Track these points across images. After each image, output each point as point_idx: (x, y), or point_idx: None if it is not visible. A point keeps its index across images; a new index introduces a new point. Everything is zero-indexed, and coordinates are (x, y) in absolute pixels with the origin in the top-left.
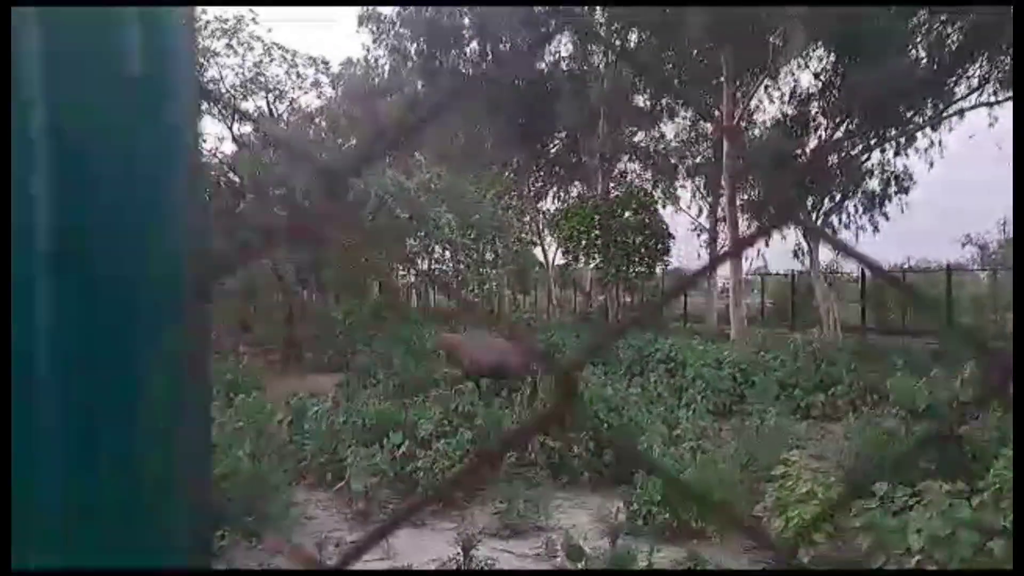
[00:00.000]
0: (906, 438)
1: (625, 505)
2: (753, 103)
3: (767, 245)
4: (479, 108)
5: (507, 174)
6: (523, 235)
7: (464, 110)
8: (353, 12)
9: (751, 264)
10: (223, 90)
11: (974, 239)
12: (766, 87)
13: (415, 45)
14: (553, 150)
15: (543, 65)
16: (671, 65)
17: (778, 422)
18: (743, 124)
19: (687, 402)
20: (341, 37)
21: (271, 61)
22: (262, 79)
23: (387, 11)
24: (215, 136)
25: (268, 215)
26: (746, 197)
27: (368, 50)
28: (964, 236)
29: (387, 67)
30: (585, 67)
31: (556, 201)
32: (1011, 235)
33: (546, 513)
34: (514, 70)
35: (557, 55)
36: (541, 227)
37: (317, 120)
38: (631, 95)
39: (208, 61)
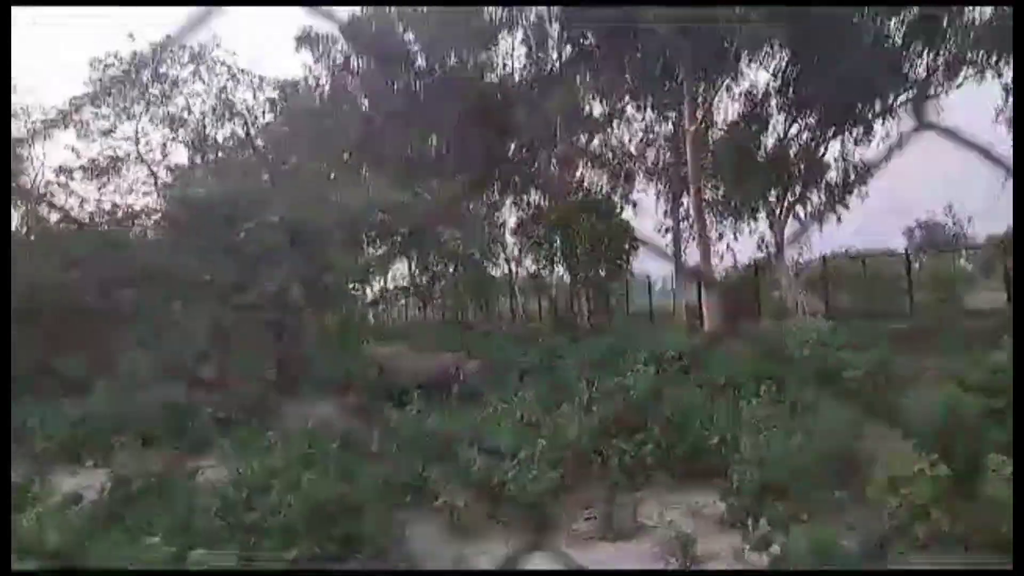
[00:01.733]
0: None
1: (722, 498)
2: (714, 103)
3: (736, 239)
4: (431, 121)
5: (464, 186)
6: (485, 246)
7: (416, 123)
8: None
9: (722, 259)
10: (193, 118)
11: (921, 224)
12: (727, 87)
13: (359, 61)
14: (509, 160)
15: (494, 76)
16: (628, 69)
17: (822, 407)
18: (704, 124)
19: (731, 394)
20: (273, 59)
21: (237, 86)
22: (231, 105)
23: (325, 30)
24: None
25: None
26: (709, 196)
27: (309, 69)
28: (915, 222)
29: (327, 86)
30: (537, 75)
31: (515, 210)
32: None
33: (640, 512)
34: (463, 82)
35: (508, 65)
36: (500, 236)
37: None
38: (586, 102)
39: (174, 89)
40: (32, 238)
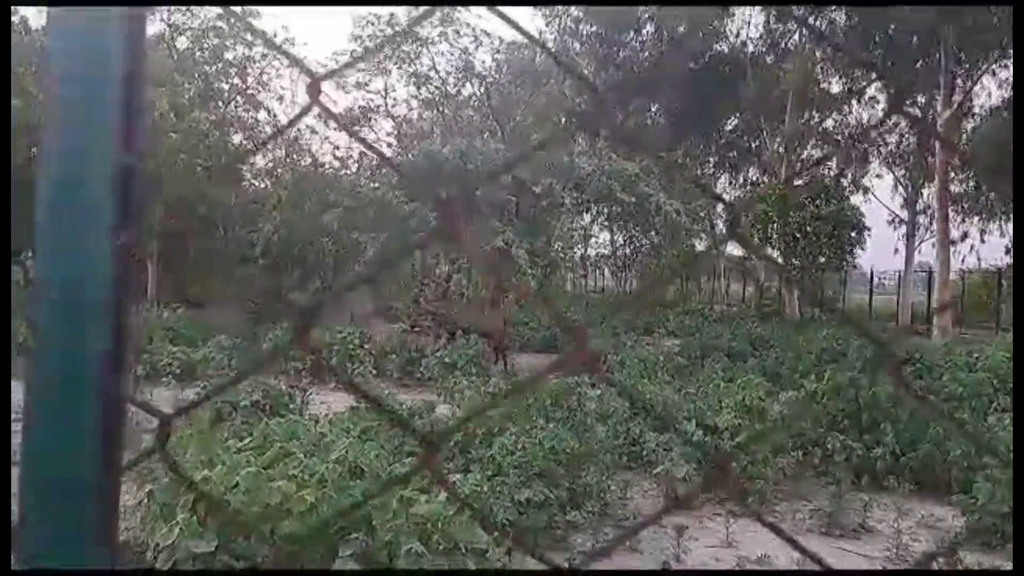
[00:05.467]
0: None
1: (963, 513)
2: (974, 88)
3: (983, 240)
4: (652, 90)
5: (679, 159)
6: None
7: (638, 91)
8: None
9: (962, 259)
10: (439, 76)
11: None
12: (992, 71)
13: (589, 27)
14: (729, 134)
15: (724, 46)
16: (876, 45)
17: None
18: (961, 110)
19: (973, 407)
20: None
21: (478, 48)
22: (472, 66)
23: None
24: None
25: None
26: (957, 189)
27: (540, 33)
28: None
29: (553, 49)
30: (772, 47)
31: (729, 187)
32: None
33: (868, 514)
34: (691, 52)
35: (740, 37)
36: (710, 213)
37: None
38: (823, 78)
39: (424, 49)
40: (286, 179)
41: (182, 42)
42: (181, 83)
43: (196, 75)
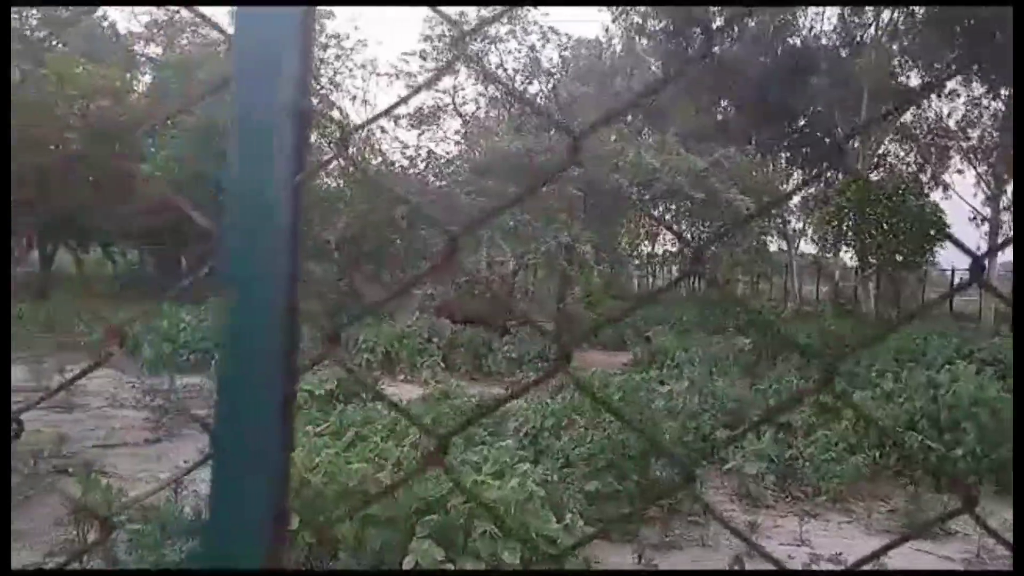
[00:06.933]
0: None
1: None
2: None
3: None
4: (723, 84)
5: (751, 154)
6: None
7: (708, 86)
8: None
9: None
10: (508, 74)
11: None
12: None
13: (658, 22)
14: (802, 129)
15: (797, 40)
16: (958, 36)
17: None
18: None
19: None
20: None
21: (546, 44)
22: (539, 63)
23: None
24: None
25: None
26: None
27: (607, 30)
28: None
29: (619, 46)
30: (847, 39)
31: (802, 183)
32: None
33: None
34: (762, 46)
35: (813, 30)
36: (783, 210)
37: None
38: (901, 71)
39: (492, 47)
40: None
41: None
42: None
43: None
